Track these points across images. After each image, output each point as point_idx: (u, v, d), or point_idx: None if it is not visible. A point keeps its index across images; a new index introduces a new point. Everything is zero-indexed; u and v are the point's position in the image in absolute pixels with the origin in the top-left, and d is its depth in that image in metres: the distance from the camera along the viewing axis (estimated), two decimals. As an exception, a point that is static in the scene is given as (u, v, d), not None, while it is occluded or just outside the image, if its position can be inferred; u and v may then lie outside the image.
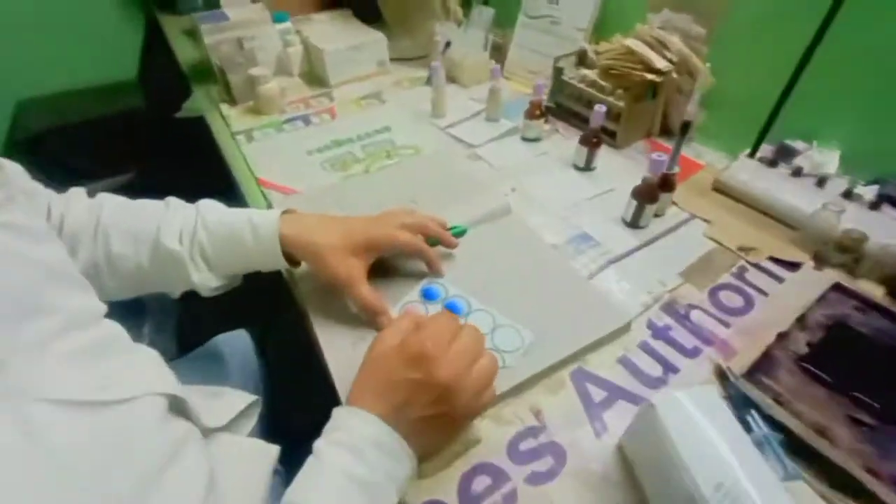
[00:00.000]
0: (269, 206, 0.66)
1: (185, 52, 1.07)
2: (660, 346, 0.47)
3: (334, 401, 0.44)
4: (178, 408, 0.35)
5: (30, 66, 1.20)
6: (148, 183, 1.23)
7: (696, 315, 0.50)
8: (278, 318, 0.70)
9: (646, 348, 0.47)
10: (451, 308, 0.49)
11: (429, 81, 0.95)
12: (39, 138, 1.09)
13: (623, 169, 0.72)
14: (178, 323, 0.82)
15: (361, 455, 0.33)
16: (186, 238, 0.46)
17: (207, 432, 0.38)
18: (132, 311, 0.75)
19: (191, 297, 0.50)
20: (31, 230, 0.32)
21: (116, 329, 0.35)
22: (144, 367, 0.35)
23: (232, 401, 0.44)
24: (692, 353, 0.47)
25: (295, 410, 0.55)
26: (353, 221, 0.50)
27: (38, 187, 0.46)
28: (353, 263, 0.47)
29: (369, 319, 0.48)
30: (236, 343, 0.64)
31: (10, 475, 0.22)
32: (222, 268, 0.48)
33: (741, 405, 0.40)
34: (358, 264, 0.47)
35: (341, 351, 0.46)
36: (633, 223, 0.61)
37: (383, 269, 0.53)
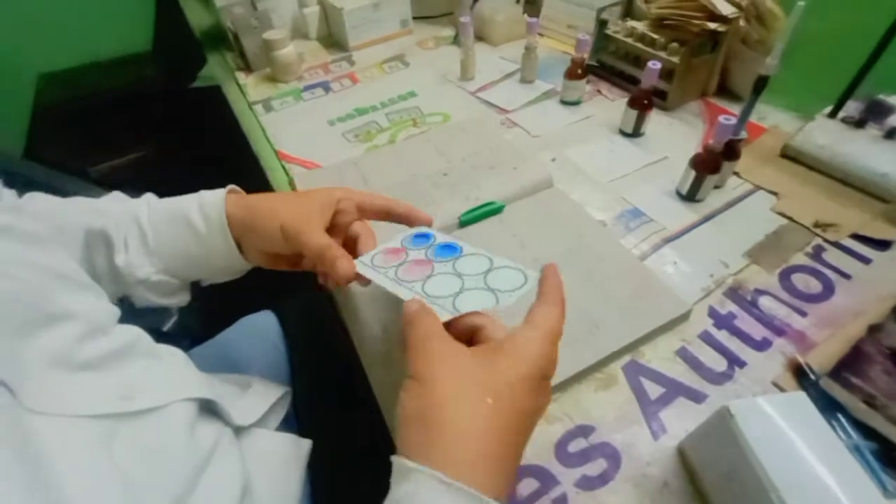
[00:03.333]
0: (291, 182, 0.63)
1: (197, 18, 1.03)
2: (723, 337, 0.43)
3: (361, 389, 0.41)
4: (208, 409, 0.33)
5: (49, 40, 1.20)
6: (165, 158, 1.22)
7: (765, 301, 0.45)
8: (301, 296, 0.68)
9: (708, 339, 0.43)
10: (443, 251, 0.38)
11: (456, 40, 0.89)
12: (59, 112, 1.09)
13: (675, 134, 0.65)
14: (205, 302, 0.82)
15: None
16: (123, 219, 0.39)
17: (238, 430, 0.36)
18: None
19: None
20: (26, 232, 0.29)
21: (135, 332, 0.33)
22: (169, 371, 0.33)
23: (262, 394, 0.42)
24: (761, 346, 0.42)
25: (320, 397, 0.53)
26: (297, 191, 0.42)
27: None
28: (307, 213, 0.38)
29: (321, 262, 0.38)
30: (263, 325, 0.62)
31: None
32: (164, 255, 0.40)
33: (825, 409, 0.36)
34: (313, 217, 0.38)
35: (373, 340, 0.44)
36: (690, 196, 0.55)
37: None
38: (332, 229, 0.41)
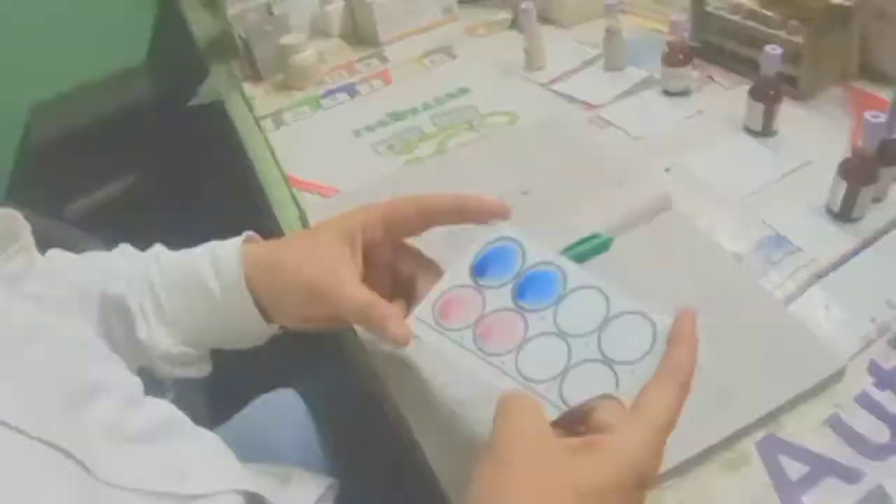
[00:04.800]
0: (302, 216, 0.70)
1: (202, 27, 1.19)
2: (887, 400, 0.46)
3: (418, 480, 0.46)
4: (253, 503, 0.41)
5: (39, 66, 1.44)
6: (154, 190, 1.38)
7: (946, 355, 0.49)
8: (322, 370, 0.75)
9: (866, 403, 0.46)
10: (536, 290, 0.38)
11: (514, 24, 0.97)
12: (51, 145, 1.30)
13: (817, 130, 0.70)
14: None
15: None
16: (136, 281, 0.47)
17: None
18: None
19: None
20: (55, 300, 0.38)
21: (168, 407, 0.41)
22: (216, 456, 0.41)
23: (305, 486, 0.49)
24: (939, 413, 0.45)
25: (368, 490, 0.59)
26: (312, 231, 0.49)
27: None
28: (333, 263, 0.42)
29: (366, 325, 0.42)
30: (285, 405, 0.69)
31: None
32: (181, 324, 0.47)
33: None
34: (340, 267, 0.42)
35: (437, 424, 0.47)
36: (844, 214, 0.59)
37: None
38: (371, 273, 0.44)
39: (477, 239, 0.40)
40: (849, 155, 0.58)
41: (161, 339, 0.46)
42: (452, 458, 0.45)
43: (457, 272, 0.40)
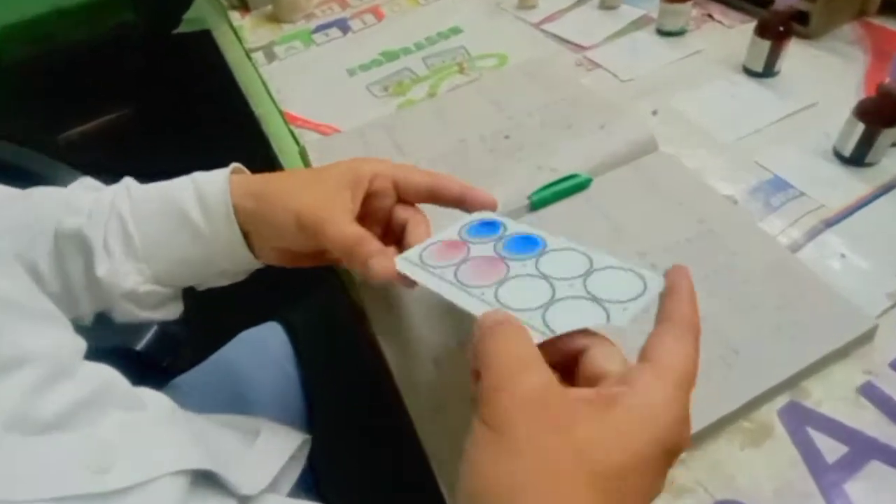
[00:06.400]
0: (302, 151, 0.58)
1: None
2: (931, 368, 0.35)
3: (396, 431, 0.38)
4: (205, 476, 0.30)
5: None
6: (144, 120, 1.20)
7: None
8: (312, 301, 0.64)
9: (906, 371, 0.35)
10: (519, 245, 0.33)
11: (509, -43, 0.81)
12: (23, 70, 1.09)
13: (825, 71, 0.57)
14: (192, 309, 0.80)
15: None
16: (100, 215, 0.37)
17: (245, 498, 0.33)
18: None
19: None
20: None
21: (108, 373, 0.30)
22: (155, 430, 0.30)
23: (272, 447, 0.38)
24: None
25: (344, 442, 0.50)
26: (316, 169, 0.40)
27: None
28: (330, 197, 0.35)
29: (350, 260, 0.35)
30: (268, 341, 0.58)
31: None
32: (153, 261, 0.37)
33: None
34: (338, 202, 0.35)
35: (420, 372, 0.39)
36: (857, 159, 0.47)
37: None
38: (365, 217, 0.37)
39: (464, 217, 0.38)
40: (862, 96, 0.47)
41: (127, 276, 0.37)
42: (429, 401, 0.38)
43: (446, 233, 0.36)
